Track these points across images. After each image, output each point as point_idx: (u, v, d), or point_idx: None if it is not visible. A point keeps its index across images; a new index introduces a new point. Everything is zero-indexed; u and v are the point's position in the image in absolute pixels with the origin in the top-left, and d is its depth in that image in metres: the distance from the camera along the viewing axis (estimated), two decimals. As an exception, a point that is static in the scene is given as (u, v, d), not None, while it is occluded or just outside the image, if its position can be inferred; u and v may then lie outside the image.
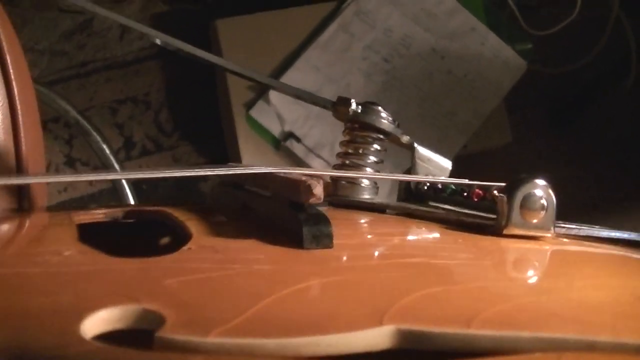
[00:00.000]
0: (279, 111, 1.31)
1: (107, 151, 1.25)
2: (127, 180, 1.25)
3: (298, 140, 1.31)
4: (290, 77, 1.32)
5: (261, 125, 1.32)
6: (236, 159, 1.33)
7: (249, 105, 1.32)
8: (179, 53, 0.58)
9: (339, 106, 0.56)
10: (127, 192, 1.27)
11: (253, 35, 1.34)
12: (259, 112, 1.32)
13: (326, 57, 1.35)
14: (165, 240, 0.52)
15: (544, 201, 0.45)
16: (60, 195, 1.42)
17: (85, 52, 1.46)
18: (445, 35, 1.40)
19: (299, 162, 1.32)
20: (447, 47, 1.40)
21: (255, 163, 0.49)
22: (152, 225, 0.50)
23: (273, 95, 1.31)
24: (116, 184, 1.27)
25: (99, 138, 1.25)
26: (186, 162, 1.49)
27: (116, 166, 1.26)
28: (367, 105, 0.56)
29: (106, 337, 0.26)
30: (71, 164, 1.43)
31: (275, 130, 1.32)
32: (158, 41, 0.56)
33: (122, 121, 1.46)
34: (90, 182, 1.44)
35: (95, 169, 1.41)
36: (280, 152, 1.33)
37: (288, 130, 1.32)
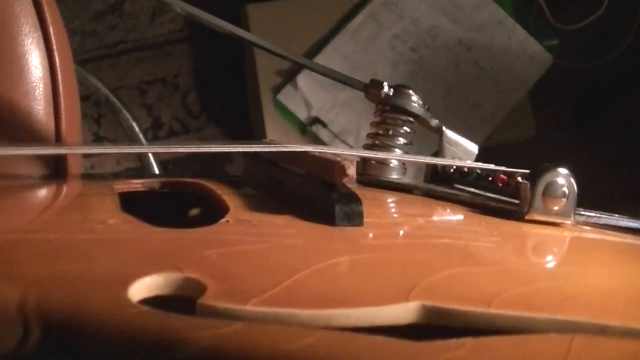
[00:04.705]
0: (306, 96, 1.33)
1: (137, 129, 1.26)
2: (155, 160, 1.27)
3: (324, 125, 1.33)
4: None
5: (288, 109, 1.33)
6: (262, 143, 1.34)
7: (277, 89, 1.34)
8: (215, 30, 0.59)
9: (371, 88, 0.58)
10: (154, 172, 1.28)
11: (282, 21, 1.35)
12: (286, 97, 1.33)
13: (354, 45, 1.36)
14: (194, 211, 0.54)
15: (565, 189, 0.47)
16: (88, 172, 1.44)
17: (116, 33, 1.48)
18: (473, 27, 1.41)
19: (324, 148, 1.33)
20: (474, 39, 1.41)
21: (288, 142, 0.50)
22: (180, 196, 0.52)
23: (301, 80, 1.32)
24: (144, 162, 1.28)
25: (128, 116, 1.26)
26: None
27: (145, 144, 1.27)
28: (399, 89, 0.58)
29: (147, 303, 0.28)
30: (100, 142, 1.45)
31: (302, 115, 1.34)
32: (189, 13, 0.58)
33: (151, 102, 1.48)
34: (117, 161, 1.46)
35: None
36: (305, 137, 1.34)
37: (314, 116, 1.33)
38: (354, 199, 0.40)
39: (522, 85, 1.42)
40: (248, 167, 0.56)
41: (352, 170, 0.40)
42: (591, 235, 0.48)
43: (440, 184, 0.57)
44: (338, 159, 0.41)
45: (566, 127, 1.65)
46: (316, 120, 1.33)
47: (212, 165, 1.51)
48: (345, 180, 0.41)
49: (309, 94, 1.33)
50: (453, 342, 0.25)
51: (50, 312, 0.26)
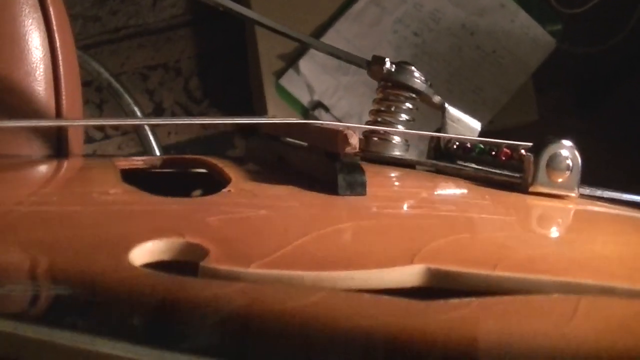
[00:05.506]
0: (309, 81, 1.32)
1: (139, 114, 1.26)
2: (157, 145, 1.27)
3: (326, 110, 1.33)
4: (321, 48, 1.33)
5: (290, 94, 1.33)
6: (264, 127, 1.34)
7: (279, 74, 1.34)
8: (218, 9, 0.59)
9: (373, 65, 0.58)
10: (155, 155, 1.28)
11: (284, 5, 1.35)
12: (288, 81, 1.33)
13: (357, 29, 1.36)
14: (196, 193, 0.54)
15: (569, 161, 0.46)
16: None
17: (118, 18, 1.47)
18: (475, 11, 1.40)
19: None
20: (477, 22, 1.40)
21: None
22: (183, 178, 0.52)
23: (303, 65, 1.32)
24: (146, 147, 1.28)
25: (130, 101, 1.26)
26: (215, 129, 1.50)
27: (147, 129, 1.27)
28: (401, 65, 0.57)
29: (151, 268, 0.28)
30: (101, 128, 1.45)
31: (304, 99, 1.33)
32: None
33: (153, 87, 1.48)
34: (119, 146, 1.46)
35: (125, 132, 1.44)
36: (308, 122, 1.34)
37: (317, 100, 1.33)
38: (357, 168, 0.40)
39: (524, 69, 1.42)
40: (250, 145, 0.56)
41: (354, 140, 0.40)
42: (596, 208, 0.48)
43: (443, 160, 0.57)
44: (340, 129, 0.41)
45: (569, 112, 1.65)
46: (319, 105, 1.33)
47: (214, 150, 1.50)
48: (348, 149, 0.40)
49: (311, 78, 1.33)
50: (459, 301, 0.25)
51: (58, 276, 0.26)
